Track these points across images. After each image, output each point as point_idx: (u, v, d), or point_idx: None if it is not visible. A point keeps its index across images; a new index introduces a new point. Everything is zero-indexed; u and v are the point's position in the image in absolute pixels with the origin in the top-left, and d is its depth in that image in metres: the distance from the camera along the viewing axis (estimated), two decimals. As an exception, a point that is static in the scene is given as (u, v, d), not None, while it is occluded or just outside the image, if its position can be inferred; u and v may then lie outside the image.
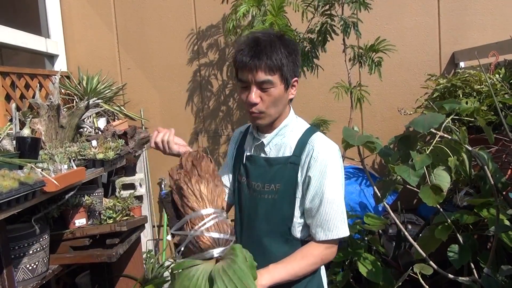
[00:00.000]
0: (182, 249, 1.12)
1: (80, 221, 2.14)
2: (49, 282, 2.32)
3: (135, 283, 2.66)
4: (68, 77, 3.13)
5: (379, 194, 1.95)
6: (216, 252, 1.11)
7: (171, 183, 1.23)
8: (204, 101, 3.25)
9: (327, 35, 2.48)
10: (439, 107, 1.75)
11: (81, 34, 3.23)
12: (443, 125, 1.65)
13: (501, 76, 2.38)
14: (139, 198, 2.91)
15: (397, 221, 2.03)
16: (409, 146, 1.72)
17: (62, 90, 2.98)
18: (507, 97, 2.18)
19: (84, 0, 3.20)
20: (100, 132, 2.62)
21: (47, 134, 2.20)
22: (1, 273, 1.55)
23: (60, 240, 2.07)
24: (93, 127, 2.66)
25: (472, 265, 1.85)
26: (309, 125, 1.44)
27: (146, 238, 3.11)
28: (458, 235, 1.86)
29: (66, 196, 1.98)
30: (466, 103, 2.34)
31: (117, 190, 2.83)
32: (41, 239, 1.83)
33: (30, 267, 1.77)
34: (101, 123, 2.97)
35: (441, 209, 1.90)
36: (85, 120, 2.65)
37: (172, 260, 3.16)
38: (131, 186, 2.89)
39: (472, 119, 1.93)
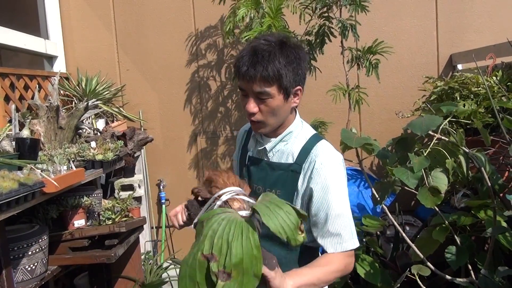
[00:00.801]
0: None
1: (79, 222, 2.15)
2: (48, 283, 2.33)
3: (133, 285, 2.66)
4: (67, 78, 3.14)
5: (377, 196, 1.96)
6: (244, 213, 1.02)
7: (196, 189, 1.19)
8: (202, 102, 3.25)
9: (325, 37, 2.49)
10: (437, 109, 1.76)
11: (80, 36, 3.23)
12: (441, 127, 1.66)
13: (498, 78, 2.39)
14: (138, 199, 2.92)
15: (395, 223, 2.03)
16: (407, 148, 1.73)
17: (61, 91, 2.98)
18: (504, 99, 2.19)
19: (83, 1, 3.20)
20: (99, 133, 2.62)
21: (46, 135, 2.20)
22: (0, 274, 1.55)
23: (59, 241, 2.07)
24: (92, 128, 2.66)
25: (470, 267, 1.86)
26: (315, 132, 1.41)
27: (145, 239, 3.11)
28: (455, 236, 1.87)
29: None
30: (464, 105, 2.35)
31: (116, 191, 2.83)
32: (40, 240, 1.83)
33: (29, 268, 1.77)
34: (100, 124, 2.97)
35: (438, 211, 1.91)
36: (84, 121, 2.65)
37: (170, 262, 3.17)
38: (130, 187, 2.89)
39: (470, 121, 1.95)
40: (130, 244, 2.36)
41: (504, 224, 1.77)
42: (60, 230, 2.10)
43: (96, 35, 3.23)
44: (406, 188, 1.79)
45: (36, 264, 1.80)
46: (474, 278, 1.76)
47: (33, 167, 1.62)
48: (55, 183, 1.60)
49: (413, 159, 1.58)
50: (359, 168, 2.26)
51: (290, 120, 1.37)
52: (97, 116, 2.97)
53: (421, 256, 1.84)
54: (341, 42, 2.46)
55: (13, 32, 2.59)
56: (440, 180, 1.62)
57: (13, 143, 1.82)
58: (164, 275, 3.06)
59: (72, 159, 2.01)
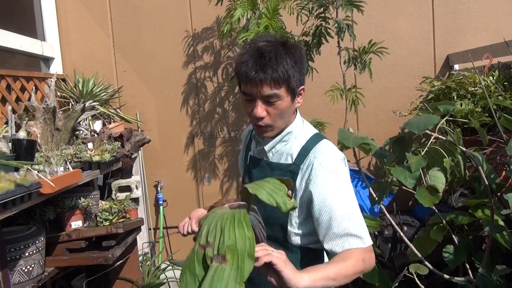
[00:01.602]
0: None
1: (76, 223, 2.14)
2: (45, 285, 2.32)
3: (131, 286, 2.65)
4: (64, 80, 3.13)
5: (374, 196, 1.96)
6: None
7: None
8: (199, 103, 3.25)
9: (322, 38, 2.49)
10: (434, 108, 1.77)
11: (77, 37, 3.23)
12: (438, 127, 1.67)
13: (495, 78, 2.40)
14: (135, 200, 2.91)
15: (393, 223, 2.04)
16: (404, 147, 1.74)
17: (58, 93, 2.97)
18: (500, 98, 2.20)
19: (80, 3, 3.20)
20: (96, 135, 2.61)
21: (43, 137, 2.19)
22: (-3, 276, 1.55)
23: (56, 242, 2.06)
24: (89, 129, 2.65)
25: (467, 265, 1.86)
26: (316, 132, 1.38)
27: (142, 240, 3.10)
28: (453, 235, 1.88)
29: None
30: (461, 105, 2.36)
31: (113, 192, 2.82)
32: (37, 241, 1.82)
33: (26, 270, 1.76)
34: (97, 125, 2.96)
35: (436, 210, 1.92)
36: (81, 122, 2.65)
37: (168, 263, 3.16)
38: (127, 189, 2.88)
39: (467, 121, 1.95)
40: (128, 245, 2.36)
41: (501, 223, 1.78)
42: (57, 232, 2.09)
43: (93, 36, 3.22)
44: (403, 187, 1.79)
45: (33, 265, 1.79)
46: (472, 277, 1.77)
47: (29, 168, 1.61)
48: (51, 183, 1.59)
49: (410, 159, 1.59)
50: (357, 168, 2.26)
51: (290, 120, 1.35)
52: (94, 117, 2.96)
53: (419, 255, 1.85)
54: (338, 42, 2.46)
55: (10, 34, 2.58)
56: (438, 179, 1.63)
57: (10, 144, 1.81)
58: (162, 276, 3.06)
59: (69, 161, 2.00)
